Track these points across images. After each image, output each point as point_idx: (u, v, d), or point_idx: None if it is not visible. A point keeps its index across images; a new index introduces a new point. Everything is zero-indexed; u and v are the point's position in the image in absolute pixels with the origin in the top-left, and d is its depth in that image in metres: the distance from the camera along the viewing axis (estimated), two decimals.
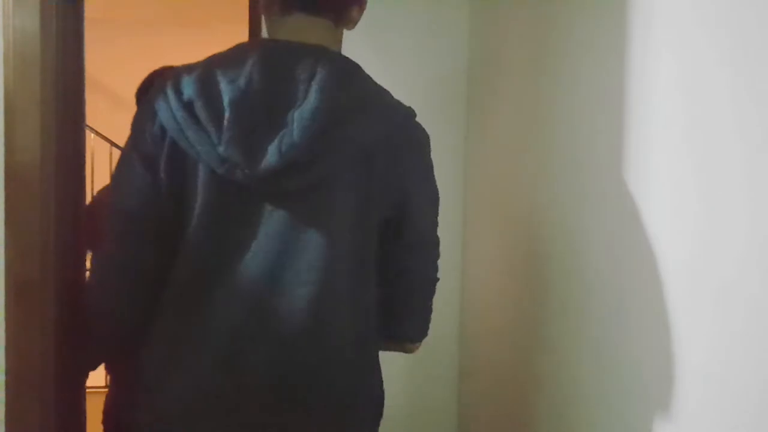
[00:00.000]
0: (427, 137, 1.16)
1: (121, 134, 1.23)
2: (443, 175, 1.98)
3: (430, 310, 1.24)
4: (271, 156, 0.98)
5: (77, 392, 1.54)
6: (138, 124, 1.10)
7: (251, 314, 1.02)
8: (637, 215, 0.99)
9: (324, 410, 1.05)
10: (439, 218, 1.87)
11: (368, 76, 1.11)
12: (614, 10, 1.04)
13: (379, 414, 1.15)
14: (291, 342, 1.02)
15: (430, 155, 1.17)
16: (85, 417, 1.58)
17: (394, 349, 1.24)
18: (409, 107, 1.13)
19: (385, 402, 1.16)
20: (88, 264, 1.35)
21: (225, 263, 1.04)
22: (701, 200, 0.86)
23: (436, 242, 1.24)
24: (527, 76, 1.51)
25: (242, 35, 2.04)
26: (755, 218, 0.77)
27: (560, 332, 1.27)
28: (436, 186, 1.21)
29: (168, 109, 1.03)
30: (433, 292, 1.24)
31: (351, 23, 1.14)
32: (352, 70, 1.09)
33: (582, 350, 1.18)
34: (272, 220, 1.03)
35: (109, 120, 3.83)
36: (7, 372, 1.25)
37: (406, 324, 1.21)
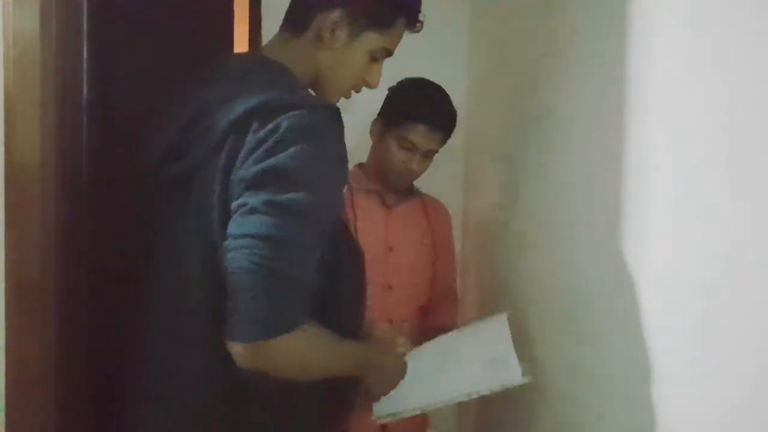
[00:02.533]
0: (301, 131, 0.94)
1: None
2: (442, 177, 1.98)
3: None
4: None
5: (77, 392, 1.54)
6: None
7: None
8: (635, 217, 0.99)
9: None
10: None
11: (276, 77, 1.04)
12: (615, 13, 1.04)
13: None
14: None
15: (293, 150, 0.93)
16: (85, 417, 1.58)
17: None
18: (302, 104, 0.96)
19: None
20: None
21: None
22: (699, 203, 0.86)
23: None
24: (527, 78, 1.51)
25: (243, 35, 2.04)
26: (744, 221, 0.77)
27: (559, 334, 1.27)
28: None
29: None
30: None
31: (323, 34, 1.06)
32: (256, 68, 1.06)
33: (579, 351, 1.18)
34: None
35: None
36: (7, 372, 1.25)
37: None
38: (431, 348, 1.37)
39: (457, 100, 1.97)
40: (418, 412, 1.30)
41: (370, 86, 1.15)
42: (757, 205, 0.77)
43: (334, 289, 1.04)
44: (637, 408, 0.98)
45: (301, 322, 0.91)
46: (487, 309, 1.74)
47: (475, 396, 1.27)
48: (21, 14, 1.22)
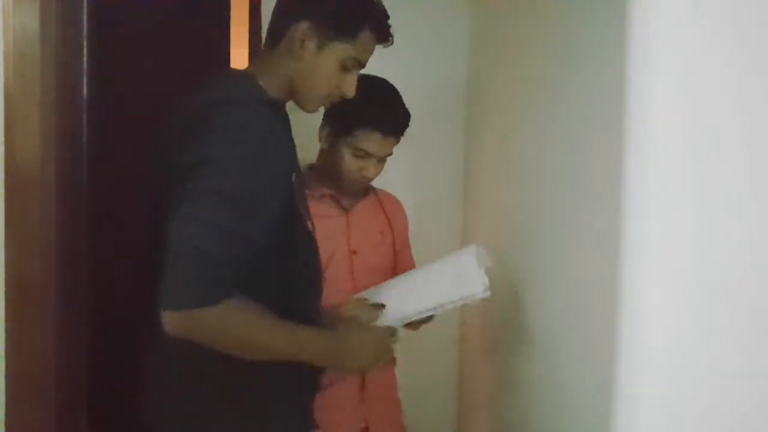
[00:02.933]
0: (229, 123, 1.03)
1: None
2: (442, 177, 1.98)
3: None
4: None
5: (77, 392, 1.54)
6: None
7: None
8: (634, 219, 0.99)
9: None
10: (439, 224, 1.87)
11: (232, 82, 1.15)
12: (615, 11, 1.04)
13: None
14: None
15: (225, 140, 1.02)
16: (85, 417, 1.58)
17: None
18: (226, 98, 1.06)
19: None
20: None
21: None
22: (697, 207, 0.86)
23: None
24: (527, 77, 1.51)
25: (243, 36, 2.04)
26: (752, 224, 0.77)
27: (558, 334, 1.27)
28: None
29: None
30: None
31: (293, 45, 1.13)
32: (220, 77, 1.17)
33: (578, 351, 1.18)
34: None
35: None
36: (7, 372, 1.25)
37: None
38: (400, 278, 1.41)
39: (458, 99, 1.98)
40: (393, 325, 1.30)
41: (345, 96, 1.21)
42: (757, 205, 0.77)
43: (287, 279, 1.10)
44: (637, 407, 0.98)
45: (222, 297, 0.97)
46: (487, 308, 1.74)
47: (447, 307, 1.29)
48: (21, 14, 1.22)
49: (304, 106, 1.20)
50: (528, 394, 1.41)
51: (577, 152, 1.21)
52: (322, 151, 1.52)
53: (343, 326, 1.22)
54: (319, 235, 1.44)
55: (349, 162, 1.45)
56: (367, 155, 1.44)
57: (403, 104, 1.49)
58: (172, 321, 0.97)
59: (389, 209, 1.63)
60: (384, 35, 1.20)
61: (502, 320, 1.62)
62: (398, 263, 1.64)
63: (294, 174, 1.12)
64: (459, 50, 1.98)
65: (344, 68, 1.17)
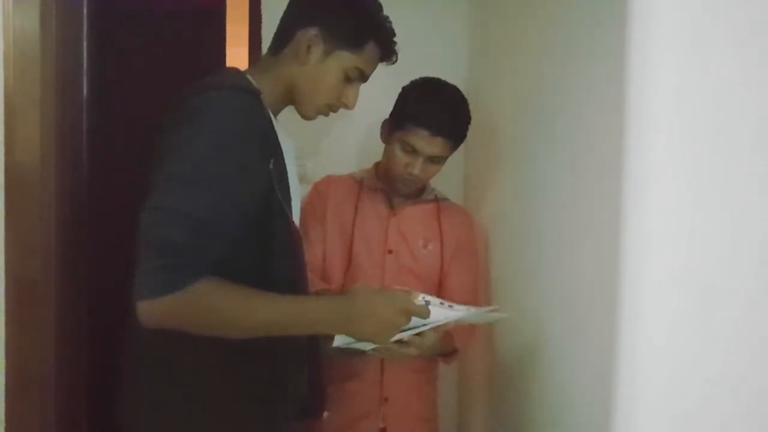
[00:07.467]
0: (210, 105, 1.02)
1: None
2: (442, 177, 1.98)
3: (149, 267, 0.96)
4: None
5: (77, 392, 1.54)
6: None
7: None
8: (634, 219, 0.99)
9: None
10: None
11: (216, 73, 1.15)
12: (615, 12, 1.04)
13: None
14: None
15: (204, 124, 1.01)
16: (86, 417, 1.58)
17: None
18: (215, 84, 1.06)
19: None
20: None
21: None
22: (697, 207, 0.86)
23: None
24: (527, 78, 1.51)
25: (243, 35, 2.04)
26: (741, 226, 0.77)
27: (558, 334, 1.27)
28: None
29: None
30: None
31: (299, 50, 1.14)
32: (215, 75, 1.16)
33: (578, 351, 1.18)
34: None
35: None
36: (7, 372, 1.25)
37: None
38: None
39: None
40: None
41: (346, 107, 1.22)
42: (758, 204, 0.77)
43: (268, 272, 1.08)
44: (637, 407, 0.98)
45: (187, 282, 0.96)
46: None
47: (468, 318, 1.24)
48: (21, 14, 1.22)
49: (304, 112, 1.21)
50: (528, 394, 1.41)
51: (577, 152, 1.21)
52: (384, 146, 1.54)
53: (353, 290, 1.13)
54: (364, 226, 1.51)
55: (397, 156, 1.46)
56: (414, 152, 1.44)
57: (463, 110, 1.49)
58: (143, 311, 0.96)
59: (446, 221, 1.60)
60: (388, 52, 1.22)
61: (501, 320, 1.62)
62: (449, 281, 1.57)
63: (272, 161, 1.09)
64: (459, 50, 1.98)
65: (347, 79, 1.18)
